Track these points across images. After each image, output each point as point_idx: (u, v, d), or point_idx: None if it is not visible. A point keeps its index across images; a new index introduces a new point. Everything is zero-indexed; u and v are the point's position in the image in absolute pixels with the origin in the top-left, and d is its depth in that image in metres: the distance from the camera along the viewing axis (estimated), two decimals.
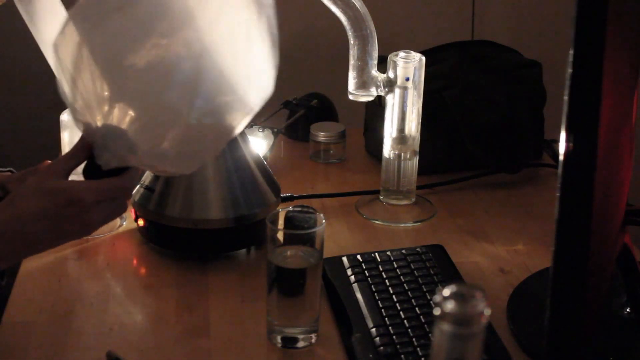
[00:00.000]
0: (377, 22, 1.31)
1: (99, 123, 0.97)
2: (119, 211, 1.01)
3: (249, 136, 1.33)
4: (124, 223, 1.35)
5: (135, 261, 1.29)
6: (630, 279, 1.07)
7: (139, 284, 1.23)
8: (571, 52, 0.81)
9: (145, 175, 1.27)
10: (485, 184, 1.52)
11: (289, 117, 1.68)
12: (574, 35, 0.80)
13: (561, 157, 0.83)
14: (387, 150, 1.40)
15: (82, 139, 1.00)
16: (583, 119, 0.82)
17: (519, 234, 1.36)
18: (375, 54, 1.33)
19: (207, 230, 1.23)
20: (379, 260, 1.22)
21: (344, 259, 1.23)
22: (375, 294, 1.14)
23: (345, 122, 1.68)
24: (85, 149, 0.99)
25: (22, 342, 1.04)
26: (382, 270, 1.19)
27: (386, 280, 1.17)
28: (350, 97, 1.37)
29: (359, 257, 1.22)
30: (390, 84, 1.36)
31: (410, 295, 1.13)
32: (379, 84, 1.35)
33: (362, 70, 1.34)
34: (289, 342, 1.07)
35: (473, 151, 1.51)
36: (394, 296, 1.13)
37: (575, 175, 0.84)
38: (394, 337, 1.06)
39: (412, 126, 1.38)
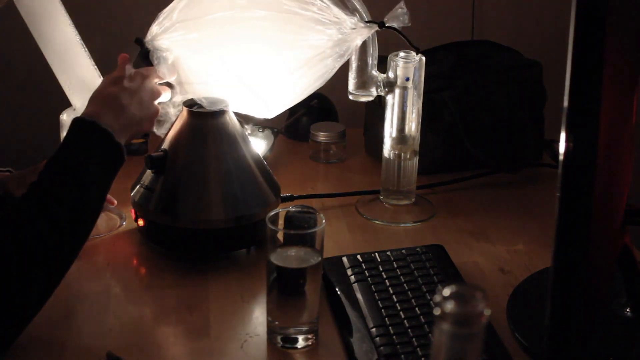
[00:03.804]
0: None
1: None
2: (155, 92, 1.23)
3: (249, 136, 1.33)
4: (124, 223, 1.35)
5: (135, 261, 1.29)
6: (630, 279, 1.07)
7: (139, 284, 1.23)
8: (571, 52, 0.81)
9: (145, 175, 1.27)
10: (485, 184, 1.53)
11: (289, 117, 1.68)
12: (574, 35, 0.80)
13: (561, 157, 0.84)
14: (387, 150, 1.40)
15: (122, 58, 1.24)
16: (583, 119, 0.82)
17: (519, 234, 1.36)
18: (375, 54, 1.33)
19: (207, 230, 1.23)
20: (379, 260, 1.22)
21: (344, 259, 1.23)
22: (375, 294, 1.14)
23: (345, 122, 1.68)
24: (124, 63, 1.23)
25: (22, 342, 1.04)
26: (382, 270, 1.19)
27: (386, 280, 1.17)
28: (350, 97, 1.37)
29: (359, 257, 1.22)
30: (390, 84, 1.36)
31: (410, 295, 1.13)
32: (379, 84, 1.35)
33: (362, 70, 1.34)
34: (289, 342, 1.07)
35: (473, 151, 1.51)
36: (394, 296, 1.13)
37: (575, 175, 0.84)
38: (394, 337, 1.05)
39: (412, 126, 1.38)
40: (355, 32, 1.26)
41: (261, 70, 1.25)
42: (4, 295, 0.99)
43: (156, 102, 1.23)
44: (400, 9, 1.28)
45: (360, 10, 1.27)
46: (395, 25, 1.28)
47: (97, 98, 1.17)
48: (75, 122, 1.13)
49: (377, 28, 1.27)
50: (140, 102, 1.19)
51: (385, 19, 1.28)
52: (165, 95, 1.26)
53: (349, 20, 1.25)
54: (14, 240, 1.01)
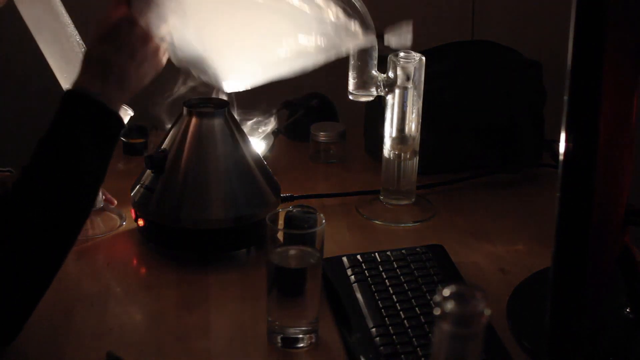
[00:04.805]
0: (377, 22, 1.31)
1: None
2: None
3: (249, 136, 1.33)
4: (124, 223, 1.35)
5: (135, 261, 1.29)
6: (630, 279, 1.07)
7: (139, 284, 1.23)
8: (571, 52, 0.81)
9: (145, 175, 1.27)
10: (485, 184, 1.52)
11: (289, 117, 1.68)
12: (574, 35, 0.81)
13: (561, 157, 0.84)
14: (387, 150, 1.40)
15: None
16: (583, 119, 0.83)
17: (519, 234, 1.36)
18: (375, 54, 1.33)
19: (207, 230, 1.23)
20: (379, 260, 1.22)
21: (344, 259, 1.23)
22: (375, 294, 1.14)
23: (345, 122, 1.68)
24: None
25: (22, 341, 1.03)
26: (382, 270, 1.19)
27: (386, 280, 1.17)
28: (350, 97, 1.37)
29: (359, 257, 1.22)
30: (390, 84, 1.36)
31: (410, 295, 1.13)
32: (379, 84, 1.35)
33: (362, 70, 1.34)
34: (289, 342, 1.07)
35: (473, 151, 1.51)
36: (394, 296, 1.13)
37: (575, 175, 0.84)
38: (394, 337, 1.06)
39: (412, 126, 1.38)
40: (351, 38, 1.23)
41: (236, 37, 1.17)
42: (2, 283, 0.98)
43: (150, 43, 1.12)
44: (406, 28, 1.27)
45: (365, 19, 1.26)
46: (393, 42, 1.28)
47: (86, 62, 1.08)
48: (64, 96, 1.06)
49: (374, 41, 1.27)
50: (133, 53, 1.09)
51: (386, 32, 1.27)
52: (161, 29, 1.13)
53: (347, 24, 1.23)
54: (9, 227, 0.99)
